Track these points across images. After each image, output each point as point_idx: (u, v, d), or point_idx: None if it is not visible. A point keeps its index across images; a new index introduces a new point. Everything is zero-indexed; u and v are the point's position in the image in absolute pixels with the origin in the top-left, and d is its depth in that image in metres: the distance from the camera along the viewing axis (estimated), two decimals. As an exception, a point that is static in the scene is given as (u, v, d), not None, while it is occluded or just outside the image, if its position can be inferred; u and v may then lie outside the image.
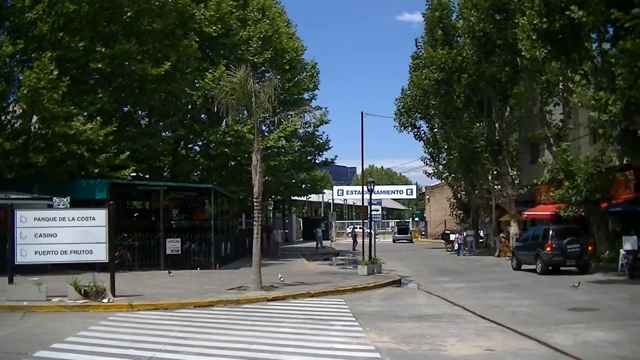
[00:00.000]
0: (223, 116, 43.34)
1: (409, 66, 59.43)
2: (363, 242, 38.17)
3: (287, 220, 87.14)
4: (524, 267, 36.53)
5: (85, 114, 36.73)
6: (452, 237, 64.31)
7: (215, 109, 44.45)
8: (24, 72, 33.67)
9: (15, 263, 22.70)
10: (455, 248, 57.51)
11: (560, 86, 42.13)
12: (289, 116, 31.79)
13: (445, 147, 61.21)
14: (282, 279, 28.54)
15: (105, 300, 21.63)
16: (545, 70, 40.57)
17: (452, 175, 64.91)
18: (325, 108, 56.58)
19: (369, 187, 37.72)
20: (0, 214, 31.49)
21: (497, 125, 51.80)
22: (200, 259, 37.37)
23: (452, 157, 57.46)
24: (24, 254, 22.54)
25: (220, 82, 28.54)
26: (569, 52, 32.36)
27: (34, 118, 35.56)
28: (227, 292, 25.10)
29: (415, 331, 16.87)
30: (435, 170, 66.26)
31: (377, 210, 39.49)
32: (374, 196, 38.47)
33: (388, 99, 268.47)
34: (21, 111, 35.28)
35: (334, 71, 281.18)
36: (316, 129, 55.39)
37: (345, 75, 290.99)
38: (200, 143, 50.43)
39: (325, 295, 25.34)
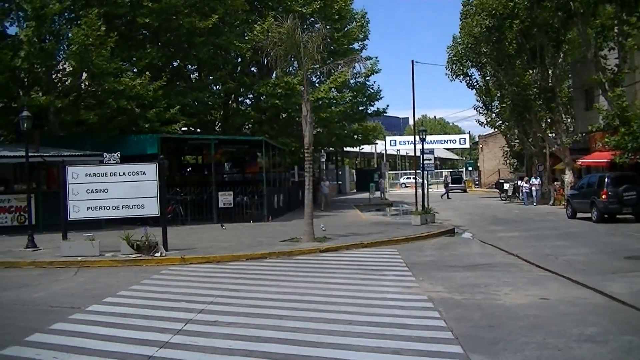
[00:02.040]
0: (273, 68, 43.16)
1: (460, 13, 58.55)
2: (416, 192, 37.96)
3: (339, 172, 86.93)
4: (579, 215, 35.89)
5: (134, 69, 36.87)
6: (505, 186, 63.68)
7: (265, 61, 44.28)
8: (72, 29, 33.76)
9: (69, 219, 22.90)
10: (521, 197, 55.78)
11: (615, 30, 41.07)
12: (339, 66, 31.49)
13: (498, 95, 60.35)
14: (323, 229, 28.33)
15: (157, 255, 21.75)
16: (600, 13, 39.60)
17: (505, 123, 64.10)
18: (376, 57, 56.05)
19: (421, 137, 37.42)
20: (53, 171, 31.82)
21: (550, 72, 50.83)
22: (252, 212, 37.46)
23: (504, 105, 56.56)
24: (77, 210, 22.72)
25: (269, 34, 28.33)
26: (624, -7, 31.53)
27: (84, 75, 35.72)
28: (280, 244, 25.10)
29: (468, 280, 16.67)
30: (488, 119, 65.62)
31: (430, 160, 38.96)
32: (426, 146, 38.17)
33: (440, 46, 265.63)
34: (71, 69, 35.45)
35: (384, 20, 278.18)
36: (367, 79, 55.03)
37: (396, 24, 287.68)
38: (250, 96, 50.19)
39: (378, 245, 25.22)
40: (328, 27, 33.66)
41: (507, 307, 13.33)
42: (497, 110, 63.45)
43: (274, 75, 46.74)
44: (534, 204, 52.09)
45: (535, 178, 54.02)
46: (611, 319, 12.09)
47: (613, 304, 13.42)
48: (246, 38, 42.87)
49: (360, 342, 10.63)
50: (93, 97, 35.49)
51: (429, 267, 19.48)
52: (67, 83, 36.37)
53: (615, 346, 10.24)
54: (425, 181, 39.16)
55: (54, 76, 36.31)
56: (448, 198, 67.51)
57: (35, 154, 31.16)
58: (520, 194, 56.04)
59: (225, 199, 35.76)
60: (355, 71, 40.88)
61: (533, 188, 53.18)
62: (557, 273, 17.28)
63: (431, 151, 40.26)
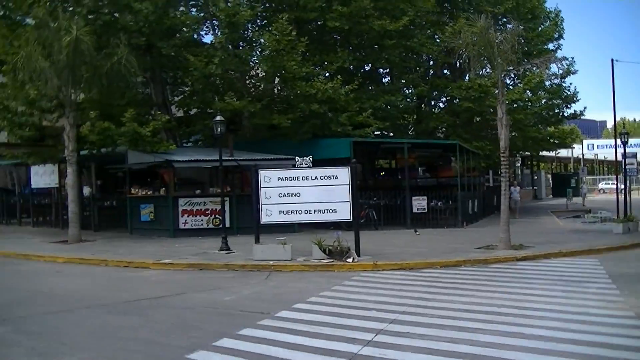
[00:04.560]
0: (465, 70, 42.40)
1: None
2: (617, 198, 36.22)
3: (535, 177, 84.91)
4: None
5: (326, 73, 37.05)
6: None
7: (457, 64, 43.56)
8: (263, 35, 34.26)
9: (261, 223, 22.97)
10: None
11: None
12: (533, 67, 30.48)
13: None
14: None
15: (349, 260, 21.44)
16: None
17: None
18: (572, 58, 54.19)
19: (623, 140, 35.70)
20: (246, 175, 32.29)
21: None
22: (446, 217, 36.71)
23: None
24: (269, 214, 22.81)
25: (461, 35, 27.68)
26: None
27: (276, 80, 36.19)
28: (475, 251, 24.27)
29: (682, 297, 15.28)
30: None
31: (632, 164, 37.05)
32: (628, 149, 36.39)
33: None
34: (263, 74, 36.01)
35: (580, 17, 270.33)
36: (563, 80, 53.28)
37: (592, 21, 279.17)
38: (443, 99, 49.64)
39: (577, 254, 23.84)
40: (521, 26, 32.61)
41: None
42: None
43: (467, 77, 45.94)
44: None
45: None
46: None
47: None
48: (437, 40, 42.38)
49: (563, 363, 9.82)
50: (285, 101, 35.89)
51: (635, 279, 18.06)
52: (260, 88, 36.95)
53: None
54: (628, 187, 37.39)
55: (247, 81, 36.98)
56: None
57: (229, 158, 31.75)
58: None
59: (419, 203, 35.23)
60: (550, 72, 39.59)
61: None
62: None
63: (634, 155, 38.38)
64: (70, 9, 31.21)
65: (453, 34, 35.67)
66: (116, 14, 32.65)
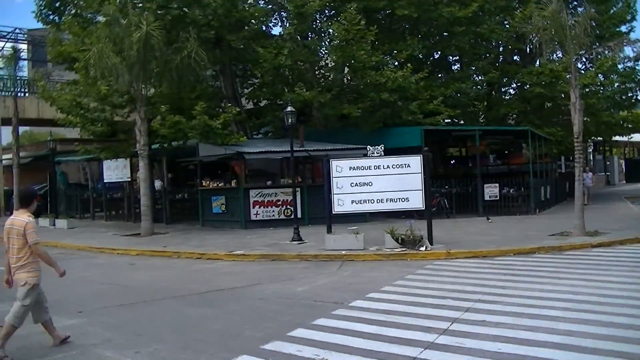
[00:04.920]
0: (536, 55, 41.79)
1: None
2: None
3: (608, 163, 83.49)
4: None
5: (395, 62, 36.88)
6: None
7: (528, 49, 42.95)
8: (332, 25, 34.26)
9: (333, 212, 22.96)
10: None
11: None
12: (606, 50, 29.90)
13: None
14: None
15: (422, 249, 21.28)
16: None
17: None
18: (645, 40, 52.89)
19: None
20: (317, 165, 32.35)
21: None
22: (518, 205, 36.30)
23: None
24: (341, 204, 22.79)
25: (531, 20, 27.27)
26: None
27: (345, 70, 36.14)
28: (549, 238, 23.85)
29: None
30: None
31: None
32: None
33: None
34: (333, 64, 36.01)
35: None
36: (636, 63, 52.12)
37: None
38: (514, 85, 49.02)
39: (655, 240, 23.41)
40: (593, 9, 31.98)
41: None
42: None
43: (537, 62, 45.28)
44: None
45: None
46: None
47: None
48: (507, 26, 41.84)
49: (644, 350, 9.58)
50: (355, 91, 35.82)
51: None
52: (329, 78, 36.95)
53: None
54: None
55: (316, 72, 37.01)
56: None
57: (300, 149, 31.81)
58: None
59: (491, 191, 34.93)
60: (624, 55, 38.79)
61: None
62: None
63: None
64: (140, 5, 31.54)
65: (523, 19, 35.27)
66: (185, 9, 32.87)
